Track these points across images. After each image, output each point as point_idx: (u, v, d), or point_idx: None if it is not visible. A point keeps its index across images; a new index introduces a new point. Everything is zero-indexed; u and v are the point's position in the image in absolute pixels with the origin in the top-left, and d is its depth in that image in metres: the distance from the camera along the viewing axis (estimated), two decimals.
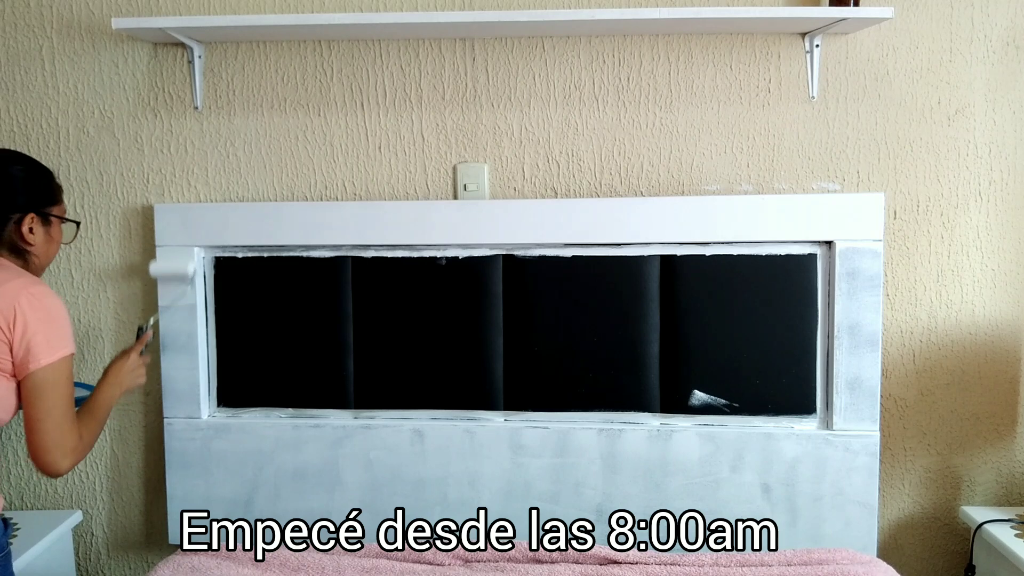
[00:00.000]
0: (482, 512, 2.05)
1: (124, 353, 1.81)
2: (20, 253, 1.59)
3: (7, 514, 1.61)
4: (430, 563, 1.88)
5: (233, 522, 2.09)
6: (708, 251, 2.00)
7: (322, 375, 2.10)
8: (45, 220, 1.62)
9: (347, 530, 2.05)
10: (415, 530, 2.01)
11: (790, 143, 2.03)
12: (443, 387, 2.08)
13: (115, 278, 2.16)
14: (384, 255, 2.07)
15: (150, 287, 2.14)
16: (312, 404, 2.11)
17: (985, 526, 1.93)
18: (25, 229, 1.58)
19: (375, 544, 1.94)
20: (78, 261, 2.17)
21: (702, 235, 1.98)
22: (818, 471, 1.98)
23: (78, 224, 1.74)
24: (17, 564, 1.83)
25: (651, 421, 2.04)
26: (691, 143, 2.05)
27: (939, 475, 2.11)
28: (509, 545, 1.91)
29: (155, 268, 2.04)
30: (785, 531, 2.00)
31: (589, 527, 2.04)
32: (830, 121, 2.02)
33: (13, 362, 1.48)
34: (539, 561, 1.88)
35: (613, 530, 2.03)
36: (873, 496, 1.98)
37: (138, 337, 1.89)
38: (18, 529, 1.99)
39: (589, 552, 1.87)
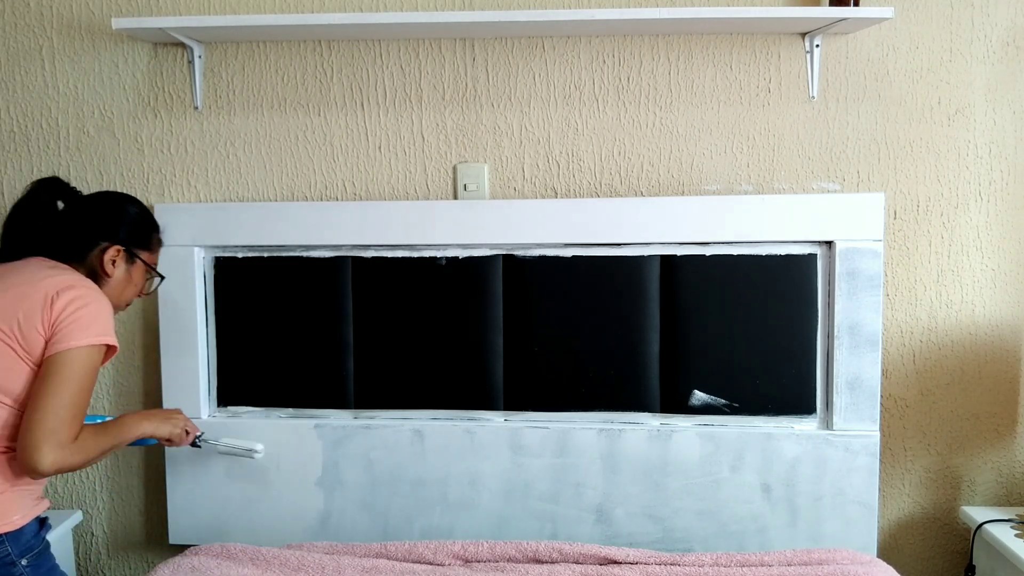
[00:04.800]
0: (482, 512, 2.05)
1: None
2: (95, 277, 1.60)
3: (47, 514, 1.60)
4: (430, 563, 1.88)
5: (233, 522, 2.09)
6: (708, 251, 2.00)
7: (322, 375, 2.10)
8: (130, 259, 1.65)
9: (347, 530, 2.06)
10: (415, 530, 2.01)
11: (790, 143, 2.03)
12: (443, 387, 2.08)
13: None
14: (384, 255, 2.07)
15: None
16: (312, 404, 2.11)
17: (985, 526, 1.93)
18: (107, 258, 1.60)
19: (375, 544, 1.94)
20: None
21: (702, 235, 1.98)
22: (818, 471, 1.98)
23: (162, 278, 1.74)
24: None
25: (651, 421, 2.04)
26: (691, 143, 2.05)
27: (939, 475, 2.11)
28: (509, 545, 1.91)
29: (224, 446, 2.01)
30: (785, 531, 2.00)
31: (589, 527, 2.04)
32: (830, 121, 2.02)
33: (44, 352, 1.46)
34: (539, 561, 1.88)
35: (613, 530, 2.04)
36: (873, 496, 1.98)
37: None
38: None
39: (589, 552, 1.87)
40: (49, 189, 1.66)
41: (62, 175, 2.14)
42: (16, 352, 1.46)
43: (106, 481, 2.23)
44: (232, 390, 2.13)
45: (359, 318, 2.08)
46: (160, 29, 1.91)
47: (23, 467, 1.42)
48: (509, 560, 1.89)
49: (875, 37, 1.99)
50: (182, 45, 2.07)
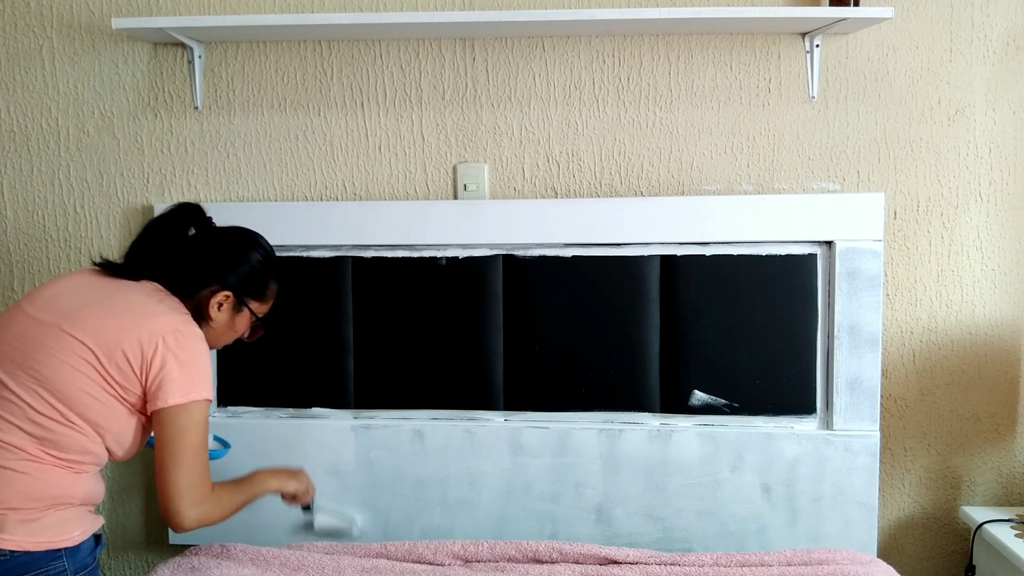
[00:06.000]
0: (482, 512, 2.05)
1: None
2: (199, 315, 1.56)
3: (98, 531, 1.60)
4: (430, 563, 1.88)
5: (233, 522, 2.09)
6: (708, 251, 2.00)
7: (322, 375, 2.10)
8: (238, 306, 1.59)
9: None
10: (415, 530, 2.00)
11: (790, 143, 2.03)
12: (443, 387, 2.07)
13: None
14: (384, 255, 2.07)
15: None
16: (312, 404, 2.11)
17: (985, 526, 1.93)
18: (214, 302, 1.56)
19: (375, 544, 1.94)
20: (78, 261, 2.17)
21: (702, 235, 1.98)
22: (818, 471, 1.98)
23: (263, 328, 1.67)
24: None
25: (651, 421, 2.04)
26: (691, 143, 2.05)
27: (939, 475, 2.11)
28: (509, 545, 1.91)
29: (319, 524, 1.96)
30: (785, 531, 2.00)
31: (589, 527, 2.04)
32: (830, 121, 2.02)
33: (144, 397, 1.44)
34: (539, 561, 1.88)
35: (613, 530, 2.04)
36: (873, 496, 1.98)
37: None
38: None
39: (589, 552, 1.87)
40: (188, 214, 1.61)
41: (62, 175, 2.15)
42: (107, 382, 1.42)
43: (106, 481, 2.23)
44: (232, 390, 2.13)
45: (359, 318, 2.08)
46: (160, 29, 1.91)
47: (169, 525, 1.46)
48: (509, 560, 1.89)
49: (875, 37, 1.99)
50: (182, 45, 2.07)
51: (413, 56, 2.07)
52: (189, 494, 1.44)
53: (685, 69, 2.03)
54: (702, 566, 1.83)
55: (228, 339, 1.65)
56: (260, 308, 1.65)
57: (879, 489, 2.02)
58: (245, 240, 1.63)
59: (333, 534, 1.99)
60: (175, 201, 2.13)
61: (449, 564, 1.88)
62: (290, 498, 1.78)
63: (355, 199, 2.12)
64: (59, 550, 1.42)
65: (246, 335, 1.68)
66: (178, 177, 2.14)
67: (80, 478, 1.46)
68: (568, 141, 2.07)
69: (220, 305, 1.57)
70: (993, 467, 2.10)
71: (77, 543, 1.45)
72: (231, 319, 1.60)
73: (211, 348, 1.57)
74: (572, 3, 2.02)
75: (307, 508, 1.88)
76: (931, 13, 1.97)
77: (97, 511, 1.55)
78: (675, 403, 2.03)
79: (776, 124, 2.03)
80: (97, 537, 1.53)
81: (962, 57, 1.98)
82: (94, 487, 1.50)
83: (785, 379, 2.00)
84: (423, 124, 2.09)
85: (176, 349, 1.44)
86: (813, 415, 2.01)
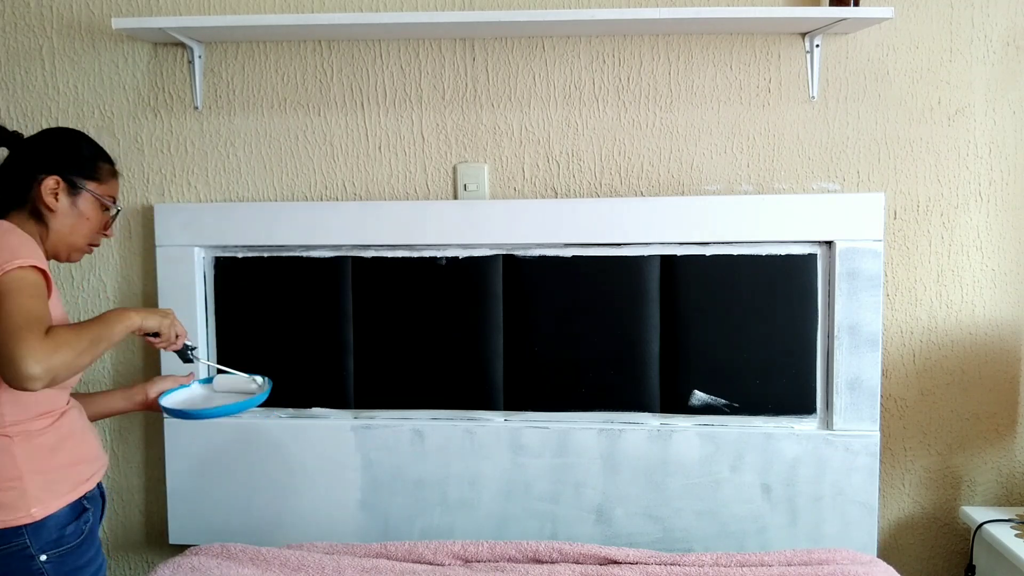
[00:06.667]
0: (482, 512, 2.05)
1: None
2: (40, 217, 1.48)
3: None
4: (430, 563, 1.88)
5: (233, 522, 2.09)
6: (708, 251, 2.00)
7: (322, 375, 2.10)
8: (73, 190, 1.50)
9: (347, 530, 2.05)
10: (415, 530, 2.00)
11: (790, 143, 2.03)
12: (443, 387, 2.08)
13: (115, 278, 2.17)
14: (384, 255, 2.07)
15: (150, 287, 2.14)
16: (312, 404, 2.11)
17: (985, 526, 1.93)
18: (45, 190, 1.47)
19: (375, 544, 1.94)
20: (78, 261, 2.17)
21: (702, 235, 1.98)
22: (818, 471, 1.98)
23: (118, 210, 1.58)
24: None
25: (651, 421, 2.04)
26: (691, 143, 2.05)
27: (939, 475, 2.11)
28: (509, 545, 1.91)
29: (219, 383, 1.81)
30: (785, 531, 2.00)
31: (589, 527, 2.04)
32: (830, 121, 2.02)
33: None
34: (539, 561, 1.88)
35: (613, 530, 2.04)
36: (873, 496, 1.98)
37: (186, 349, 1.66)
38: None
39: (589, 552, 1.87)
40: None
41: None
42: None
43: (106, 481, 2.22)
44: None
45: (359, 318, 2.08)
46: (160, 29, 1.91)
47: (14, 386, 1.25)
48: (509, 560, 1.89)
49: (875, 37, 1.99)
50: (182, 45, 2.07)
51: (413, 56, 2.07)
52: (21, 337, 1.24)
53: (685, 69, 2.03)
54: (702, 566, 1.83)
55: (85, 231, 1.54)
56: (100, 188, 1.54)
57: (879, 489, 2.02)
58: (50, 131, 1.59)
59: (236, 392, 1.76)
60: (175, 201, 2.13)
61: (449, 564, 1.88)
62: (154, 336, 1.53)
63: (355, 199, 2.12)
64: (19, 527, 1.35)
65: (106, 226, 1.58)
66: (178, 177, 2.14)
67: (13, 445, 1.36)
68: (568, 141, 2.07)
69: (54, 193, 1.48)
70: (993, 467, 2.10)
71: (37, 519, 1.36)
72: (74, 207, 1.51)
73: (73, 245, 1.51)
74: (572, 3, 2.02)
75: (186, 358, 1.64)
76: (931, 13, 1.97)
77: (85, 477, 1.45)
78: (675, 403, 2.03)
79: (776, 124, 2.03)
80: (80, 509, 1.43)
81: (962, 57, 1.98)
82: (44, 454, 1.38)
83: (785, 379, 2.00)
84: (423, 124, 2.09)
85: None
86: (813, 415, 2.01)
